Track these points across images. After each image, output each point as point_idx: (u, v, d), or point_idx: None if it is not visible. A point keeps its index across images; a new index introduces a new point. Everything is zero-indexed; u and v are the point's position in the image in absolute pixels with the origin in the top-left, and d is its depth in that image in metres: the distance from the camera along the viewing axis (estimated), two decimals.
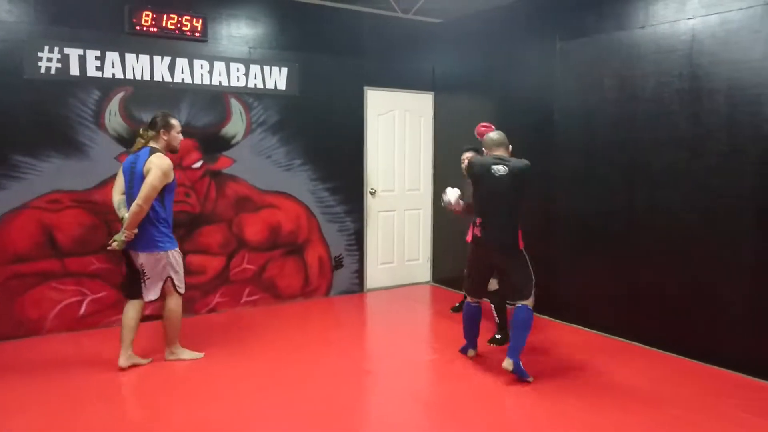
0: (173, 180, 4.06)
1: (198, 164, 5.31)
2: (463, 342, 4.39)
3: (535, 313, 5.26)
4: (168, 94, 5.12)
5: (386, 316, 5.69)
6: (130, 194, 3.97)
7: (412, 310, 5.89)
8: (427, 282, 6.84)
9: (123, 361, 4.07)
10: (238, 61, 5.42)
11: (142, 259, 3.99)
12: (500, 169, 3.90)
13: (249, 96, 5.52)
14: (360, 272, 6.34)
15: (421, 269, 6.80)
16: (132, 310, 4.09)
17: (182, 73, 5.16)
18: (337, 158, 6.06)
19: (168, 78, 5.10)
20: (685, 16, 4.24)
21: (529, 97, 5.51)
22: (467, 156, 4.80)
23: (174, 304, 4.16)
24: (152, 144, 4.05)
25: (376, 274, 6.46)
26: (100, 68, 4.80)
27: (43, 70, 4.59)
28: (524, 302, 3.93)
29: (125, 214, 3.98)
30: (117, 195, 4.14)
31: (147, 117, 4.97)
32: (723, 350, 4.12)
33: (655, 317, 4.53)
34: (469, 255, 4.22)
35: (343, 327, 5.28)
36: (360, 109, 6.19)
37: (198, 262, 5.38)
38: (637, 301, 4.65)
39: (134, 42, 4.94)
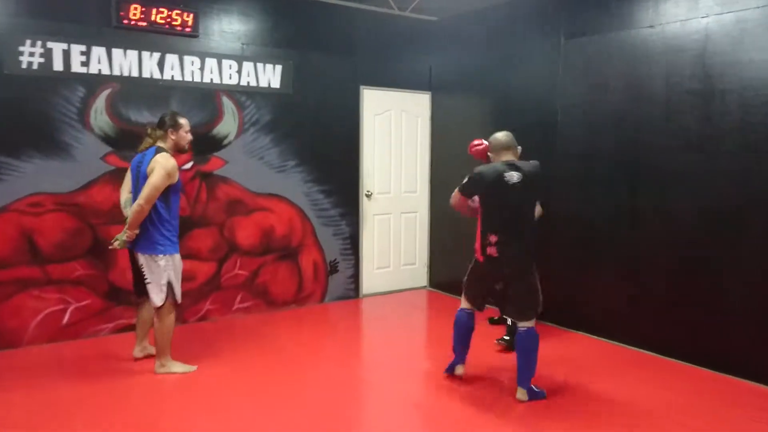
0: (178, 181, 3.92)
1: (188, 165, 5.07)
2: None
3: (537, 321, 5.19)
4: (157, 92, 4.87)
5: (382, 323, 5.50)
6: (136, 194, 3.88)
7: (409, 317, 5.72)
8: (424, 287, 6.66)
9: (137, 352, 4.23)
10: (230, 58, 5.19)
11: (142, 260, 3.90)
12: (514, 176, 3.48)
13: (241, 94, 5.29)
14: (356, 277, 6.14)
15: (418, 274, 6.62)
16: (144, 309, 4.13)
17: (172, 69, 4.91)
18: (332, 159, 5.86)
19: (157, 75, 4.85)
20: (698, 14, 4.12)
21: (530, 97, 5.37)
22: None
23: (166, 312, 3.97)
24: (159, 143, 3.93)
25: (372, 279, 6.26)
26: (86, 63, 4.54)
27: (24, 66, 4.31)
28: (527, 324, 3.60)
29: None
30: (124, 194, 4.11)
31: (135, 115, 4.77)
32: (736, 358, 4.01)
33: (662, 324, 4.40)
34: (474, 268, 3.79)
35: (339, 335, 5.09)
36: (356, 108, 6.00)
37: (187, 268, 5.08)
38: (643, 307, 4.52)
39: (122, 36, 4.69)
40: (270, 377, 4.03)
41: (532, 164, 3.60)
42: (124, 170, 4.28)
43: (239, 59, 5.24)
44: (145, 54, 4.79)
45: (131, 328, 4.41)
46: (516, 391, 3.63)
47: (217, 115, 5.19)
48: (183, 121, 4.00)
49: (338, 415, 3.51)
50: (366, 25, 5.97)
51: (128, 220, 3.82)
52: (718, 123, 4.06)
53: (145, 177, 3.80)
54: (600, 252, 4.82)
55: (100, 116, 4.64)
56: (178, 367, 4.05)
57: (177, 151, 4.02)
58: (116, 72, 4.68)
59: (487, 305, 4.00)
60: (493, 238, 3.55)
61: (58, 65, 4.44)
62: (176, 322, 4.99)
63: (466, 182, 3.68)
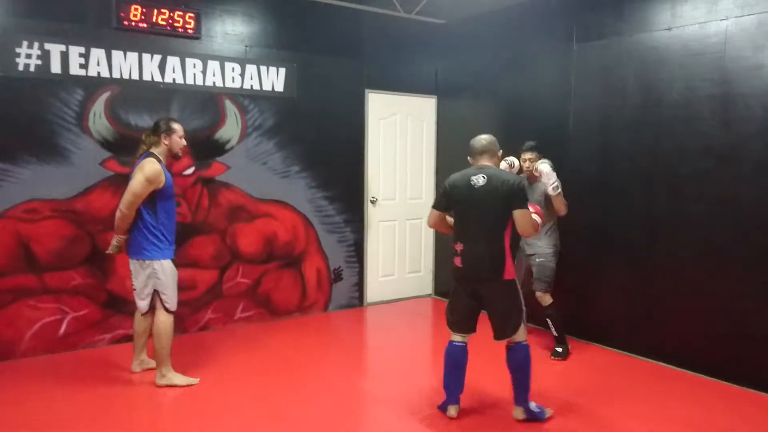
0: (165, 187, 3.78)
1: (189, 171, 4.92)
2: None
3: (540, 327, 5.04)
4: (158, 95, 4.73)
5: (387, 332, 5.35)
6: None
7: (413, 326, 5.59)
8: (429, 295, 6.52)
9: (135, 366, 4.11)
10: (233, 61, 5.05)
11: (131, 265, 3.87)
12: (479, 180, 3.29)
13: (244, 98, 5.15)
14: (360, 285, 5.99)
15: (423, 282, 6.48)
16: (140, 320, 4.02)
17: (173, 72, 4.77)
18: (336, 165, 5.72)
19: (158, 77, 4.71)
20: (717, 17, 4.00)
21: (541, 102, 5.24)
22: (528, 157, 4.47)
23: (162, 321, 3.86)
24: (153, 149, 3.83)
25: (376, 288, 6.12)
26: (84, 66, 4.40)
27: (21, 67, 4.17)
28: (517, 339, 3.36)
29: None
30: None
31: (135, 119, 4.63)
32: (760, 372, 3.86)
33: (679, 335, 4.27)
34: (453, 286, 3.51)
35: (342, 345, 4.94)
36: (360, 112, 5.86)
37: (188, 276, 4.98)
38: (659, 318, 4.38)
39: (122, 38, 4.54)
40: (272, 389, 3.90)
41: (507, 175, 3.34)
42: (124, 176, 4.16)
43: (242, 62, 5.10)
44: (146, 56, 4.65)
45: (130, 338, 4.26)
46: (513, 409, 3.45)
47: (219, 120, 5.04)
48: (176, 126, 3.91)
49: (341, 428, 3.39)
50: (371, 27, 5.84)
51: (114, 225, 3.83)
52: (738, 128, 3.93)
53: None
54: (614, 260, 4.68)
55: (99, 120, 4.50)
56: (179, 379, 3.91)
57: (171, 156, 3.94)
58: (116, 75, 4.54)
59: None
60: (458, 247, 3.37)
61: (56, 67, 4.29)
62: (177, 332, 4.88)
63: (437, 196, 3.53)
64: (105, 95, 4.51)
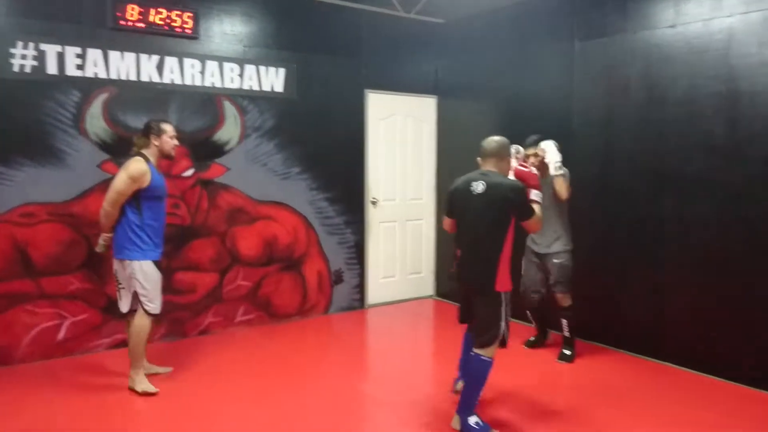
0: (151, 186, 3.72)
1: (189, 173, 4.85)
2: (456, 375, 3.80)
3: (553, 332, 5.00)
4: (156, 96, 4.66)
5: (389, 334, 5.28)
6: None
7: (415, 328, 5.53)
8: (430, 296, 6.46)
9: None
10: (232, 61, 4.98)
11: (115, 265, 3.84)
12: (479, 186, 3.19)
13: (243, 98, 5.09)
14: (361, 287, 5.93)
15: (424, 283, 6.42)
16: (131, 321, 3.90)
17: (171, 73, 4.70)
18: (336, 166, 5.66)
19: (156, 78, 4.64)
20: (721, 13, 3.96)
21: (543, 101, 5.19)
22: (531, 153, 4.29)
23: (136, 324, 3.81)
24: (143, 150, 3.80)
25: (377, 289, 6.06)
26: (81, 67, 4.33)
27: (16, 69, 4.10)
28: (478, 350, 3.23)
29: None
30: None
31: (133, 121, 4.56)
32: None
33: (685, 336, 4.23)
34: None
35: (343, 348, 4.86)
36: (360, 113, 5.80)
37: (188, 280, 4.92)
38: (665, 318, 4.34)
39: (119, 38, 4.47)
40: (273, 392, 3.85)
41: (506, 180, 3.24)
42: None
43: (241, 62, 5.03)
44: (143, 56, 4.58)
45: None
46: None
47: (218, 121, 4.98)
48: (167, 126, 3.88)
49: (341, 429, 3.34)
50: (371, 27, 5.79)
51: (100, 223, 3.83)
52: (744, 126, 3.89)
53: None
54: (619, 260, 4.64)
55: (96, 122, 4.43)
56: (141, 385, 3.81)
57: (163, 157, 3.90)
58: (113, 75, 4.47)
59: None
60: (458, 252, 3.37)
61: (52, 68, 4.22)
62: (177, 336, 4.87)
63: (445, 201, 3.49)
64: (102, 96, 4.44)
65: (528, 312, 4.71)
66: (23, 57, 4.12)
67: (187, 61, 4.77)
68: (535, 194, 3.33)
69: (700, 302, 4.15)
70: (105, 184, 4.43)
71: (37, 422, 3.39)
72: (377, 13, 5.80)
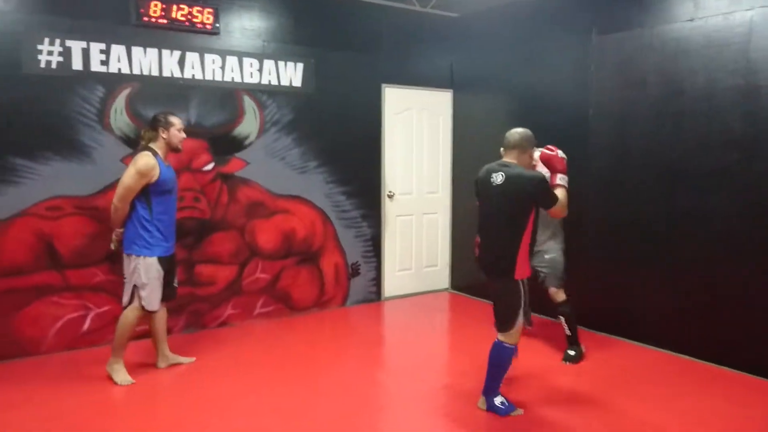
0: (160, 181, 3.77)
1: (209, 167, 4.92)
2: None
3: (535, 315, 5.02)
4: (177, 91, 4.73)
5: (405, 326, 5.34)
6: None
7: (431, 320, 5.57)
8: (446, 289, 6.51)
9: (160, 363, 4.12)
10: (251, 56, 5.04)
11: (124, 259, 3.87)
12: (498, 177, 3.27)
13: (262, 93, 5.15)
14: (377, 280, 5.99)
15: (440, 276, 6.47)
16: (155, 317, 4.02)
17: (192, 68, 4.77)
18: (353, 160, 5.71)
19: (177, 73, 4.71)
20: (741, 6, 3.97)
21: (559, 95, 5.21)
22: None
23: (125, 314, 3.87)
24: (151, 144, 3.84)
25: (393, 282, 6.12)
26: (105, 62, 4.40)
27: (43, 65, 4.17)
28: (501, 337, 3.37)
29: None
30: None
31: None
32: None
33: (701, 329, 4.25)
34: None
35: (361, 339, 4.93)
36: (377, 107, 5.85)
37: (208, 273, 5.00)
38: (683, 312, 4.36)
39: (142, 34, 4.54)
40: (292, 382, 3.92)
41: (526, 172, 3.27)
42: None
43: (260, 57, 5.09)
44: (165, 52, 4.65)
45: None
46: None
47: (237, 115, 5.04)
48: (174, 119, 3.90)
49: (360, 420, 3.41)
50: (387, 22, 5.83)
51: (111, 219, 3.89)
52: (763, 120, 3.90)
53: None
54: (635, 255, 4.67)
55: (119, 116, 4.50)
56: (118, 375, 3.86)
57: (171, 150, 3.93)
58: (136, 71, 4.53)
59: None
60: (477, 239, 3.53)
61: (77, 64, 4.29)
62: (197, 328, 4.95)
63: (475, 188, 3.56)
64: (125, 91, 4.51)
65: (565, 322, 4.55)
66: (49, 53, 4.19)
67: (208, 57, 4.83)
68: (560, 178, 3.37)
69: (717, 296, 4.17)
70: None
71: (63, 410, 3.47)
72: (393, 7, 5.84)
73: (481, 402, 3.49)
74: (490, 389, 3.43)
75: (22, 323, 4.26)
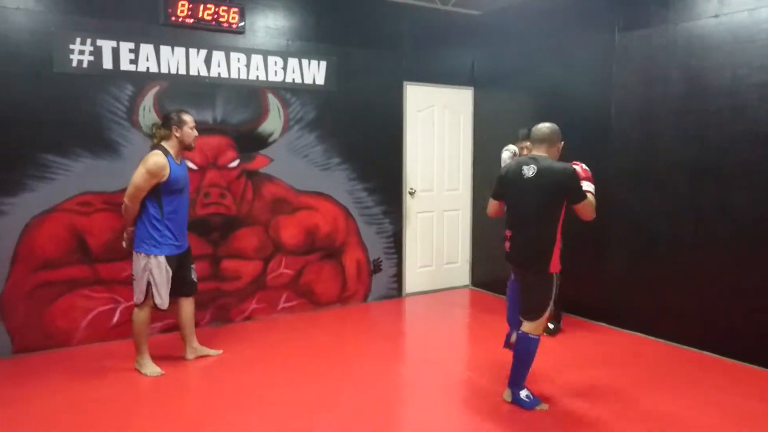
0: (171, 180, 3.79)
1: (234, 163, 5.01)
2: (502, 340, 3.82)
3: (590, 320, 5.07)
4: (204, 90, 4.82)
5: (426, 322, 5.40)
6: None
7: (453, 317, 5.60)
8: (466, 286, 6.55)
9: (188, 354, 4.20)
10: (275, 55, 5.12)
11: (133, 257, 3.89)
12: (530, 170, 3.33)
13: (286, 91, 5.22)
14: (398, 276, 6.05)
15: (460, 272, 6.51)
16: (181, 310, 4.11)
17: (218, 66, 4.85)
18: (375, 157, 5.77)
19: (204, 72, 4.80)
20: (766, 3, 3.95)
21: (581, 93, 5.22)
22: (526, 145, 4.35)
23: (135, 312, 3.93)
24: (163, 142, 3.85)
25: (414, 278, 6.17)
26: (134, 61, 4.50)
27: (74, 64, 4.28)
28: (526, 328, 3.42)
29: None
30: None
31: None
32: None
33: (726, 326, 4.24)
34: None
35: (383, 335, 4.98)
36: (399, 105, 5.90)
37: (234, 268, 5.09)
38: (706, 309, 4.35)
39: (170, 34, 4.64)
40: (317, 374, 4.00)
41: (557, 165, 3.33)
42: None
43: (284, 55, 5.16)
44: (192, 51, 4.74)
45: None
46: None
47: (262, 113, 5.12)
48: (187, 117, 3.90)
49: (383, 413, 3.48)
50: (409, 19, 5.87)
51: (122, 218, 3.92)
52: None
53: None
54: (659, 252, 4.66)
55: (148, 114, 4.60)
56: (146, 369, 3.96)
57: (184, 148, 3.94)
58: (164, 70, 4.63)
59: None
60: (507, 233, 3.50)
61: (107, 63, 4.40)
62: (223, 322, 5.05)
63: (495, 185, 3.61)
64: (154, 90, 4.61)
65: None
66: (81, 52, 4.30)
67: (234, 55, 4.92)
68: (587, 185, 3.40)
69: (742, 292, 4.16)
70: None
71: (94, 400, 3.57)
72: (415, 6, 5.88)
73: (507, 394, 3.54)
74: (515, 381, 3.48)
75: (54, 315, 4.38)
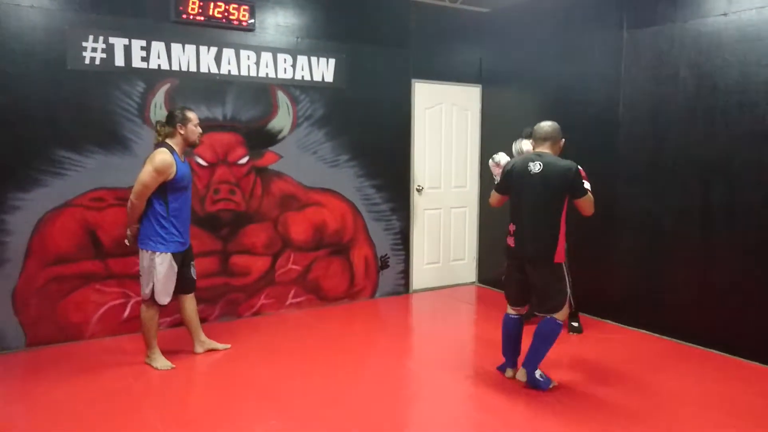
0: (177, 178, 3.82)
1: (244, 160, 5.06)
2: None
3: (596, 318, 5.09)
4: (214, 87, 4.87)
5: (434, 320, 5.43)
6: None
7: (460, 313, 5.64)
8: (473, 282, 6.58)
9: (197, 348, 4.25)
10: (285, 52, 5.15)
11: (140, 254, 3.92)
12: (536, 166, 3.49)
13: (296, 88, 5.26)
14: (406, 273, 6.08)
15: (467, 269, 6.54)
16: (184, 305, 4.16)
17: (228, 64, 4.90)
18: (384, 154, 5.80)
19: (214, 69, 4.84)
20: None
21: (589, 90, 5.23)
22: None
23: (147, 307, 3.98)
24: (168, 140, 3.88)
25: (421, 275, 6.21)
26: (146, 59, 4.55)
27: (87, 61, 4.34)
28: (553, 314, 3.57)
29: None
30: None
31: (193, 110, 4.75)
32: None
33: (737, 325, 4.25)
34: (507, 263, 3.80)
35: (391, 331, 5.01)
36: (407, 102, 5.93)
37: (243, 263, 5.14)
38: (716, 307, 4.37)
39: (180, 31, 4.68)
40: (326, 368, 4.04)
41: (561, 161, 3.50)
42: None
43: (294, 53, 5.20)
44: (203, 48, 4.78)
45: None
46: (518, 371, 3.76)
47: (271, 110, 5.16)
48: (191, 115, 3.93)
49: (392, 407, 3.52)
50: (417, 17, 5.90)
51: (127, 215, 3.93)
52: None
53: None
54: (668, 251, 4.67)
55: (159, 111, 4.65)
56: (157, 362, 4.01)
57: (188, 146, 3.97)
58: (175, 67, 4.68)
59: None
60: (511, 228, 3.62)
61: (119, 60, 4.45)
62: (232, 317, 5.10)
63: (500, 179, 3.78)
64: (165, 87, 4.66)
65: None
66: (93, 50, 4.36)
67: (244, 53, 4.96)
68: (586, 185, 3.59)
69: (751, 290, 4.17)
70: None
71: (106, 393, 3.63)
72: (424, 3, 5.90)
73: (521, 374, 3.68)
74: (533, 361, 3.61)
75: (66, 309, 4.45)
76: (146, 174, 3.74)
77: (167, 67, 4.65)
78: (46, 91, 4.26)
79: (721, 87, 4.27)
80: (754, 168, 4.13)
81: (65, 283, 4.43)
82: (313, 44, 5.33)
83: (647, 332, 4.80)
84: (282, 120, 5.21)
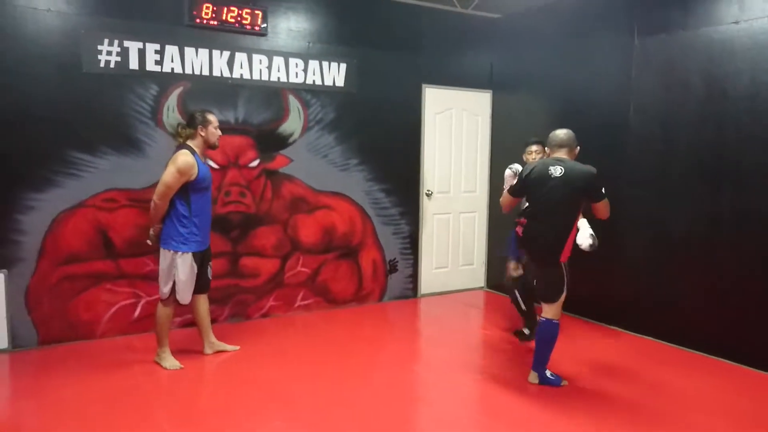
0: (198, 179, 3.90)
1: (254, 163, 5.10)
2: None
3: (604, 324, 5.08)
4: (226, 90, 4.92)
5: (442, 324, 5.40)
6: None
7: (468, 318, 5.64)
8: (481, 288, 6.58)
9: (206, 349, 4.30)
10: (296, 56, 5.20)
11: (161, 253, 3.98)
12: (557, 170, 3.64)
13: (307, 93, 5.31)
14: (414, 277, 6.10)
15: (476, 274, 6.55)
16: (198, 305, 4.21)
17: (241, 68, 4.95)
18: (393, 158, 5.83)
19: (227, 73, 4.90)
20: None
21: (600, 97, 5.23)
22: (534, 150, 4.56)
23: (159, 307, 4.04)
24: (189, 141, 3.97)
25: (429, 279, 6.22)
26: (160, 62, 4.62)
27: (102, 64, 4.41)
28: (546, 315, 3.77)
29: None
30: None
31: None
32: None
33: (745, 333, 4.23)
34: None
35: (399, 335, 5.04)
36: (417, 107, 5.95)
37: (252, 265, 5.18)
38: (722, 314, 4.35)
39: (194, 35, 4.75)
40: (334, 370, 4.07)
41: (582, 167, 3.65)
42: None
43: (305, 57, 5.25)
44: (216, 52, 4.84)
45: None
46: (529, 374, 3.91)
47: (283, 114, 5.21)
48: (212, 117, 4.02)
49: (399, 410, 3.54)
50: (428, 22, 5.93)
51: (149, 216, 4.01)
52: None
53: None
54: (677, 258, 4.66)
55: (171, 114, 4.71)
56: (166, 362, 4.06)
57: (208, 147, 4.06)
58: (188, 71, 4.74)
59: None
60: (523, 220, 3.80)
61: (133, 64, 4.52)
62: (241, 318, 5.14)
63: (516, 183, 3.89)
64: (178, 90, 4.72)
65: (519, 297, 4.65)
66: (108, 53, 4.42)
67: (256, 57, 5.01)
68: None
69: (759, 297, 4.15)
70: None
71: (114, 392, 3.68)
72: (435, 9, 5.93)
73: (533, 376, 3.86)
74: (540, 362, 3.83)
75: (78, 308, 4.51)
76: (169, 175, 3.82)
77: (180, 71, 4.71)
78: (60, 93, 4.33)
79: (732, 94, 4.26)
80: (764, 175, 4.11)
81: (77, 283, 4.49)
82: (325, 49, 5.37)
83: (652, 339, 4.78)
84: (293, 124, 5.26)
